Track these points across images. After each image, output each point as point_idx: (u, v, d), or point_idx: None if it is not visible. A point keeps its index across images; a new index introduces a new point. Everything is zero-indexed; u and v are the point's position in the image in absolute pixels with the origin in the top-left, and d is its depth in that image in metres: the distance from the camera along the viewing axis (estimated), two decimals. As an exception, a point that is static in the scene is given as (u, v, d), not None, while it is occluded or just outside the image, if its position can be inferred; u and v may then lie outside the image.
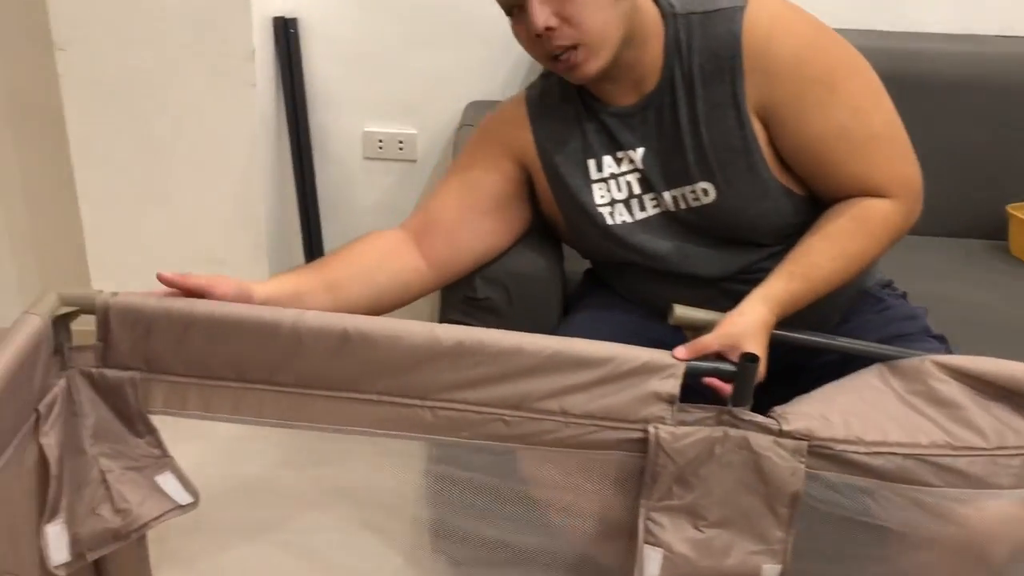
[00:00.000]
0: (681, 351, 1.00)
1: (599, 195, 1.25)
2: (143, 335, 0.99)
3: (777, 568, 1.02)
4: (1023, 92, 1.89)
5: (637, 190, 1.24)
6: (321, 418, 1.02)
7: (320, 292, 1.14)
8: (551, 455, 1.02)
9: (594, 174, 1.25)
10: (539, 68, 2.02)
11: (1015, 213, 1.88)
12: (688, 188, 1.20)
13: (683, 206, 1.22)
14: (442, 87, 2.06)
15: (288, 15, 1.99)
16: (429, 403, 1.00)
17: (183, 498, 1.07)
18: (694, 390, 1.02)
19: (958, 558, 1.03)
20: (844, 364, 1.11)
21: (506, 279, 1.36)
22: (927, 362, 1.03)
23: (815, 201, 1.21)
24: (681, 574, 1.03)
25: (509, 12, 1.15)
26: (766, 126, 1.17)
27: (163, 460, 1.06)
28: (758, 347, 1.05)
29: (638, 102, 1.21)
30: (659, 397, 0.98)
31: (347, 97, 2.08)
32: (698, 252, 1.24)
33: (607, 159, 1.25)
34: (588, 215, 1.26)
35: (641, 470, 1.01)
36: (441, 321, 1.41)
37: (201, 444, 1.15)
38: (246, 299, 1.05)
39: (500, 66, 2.05)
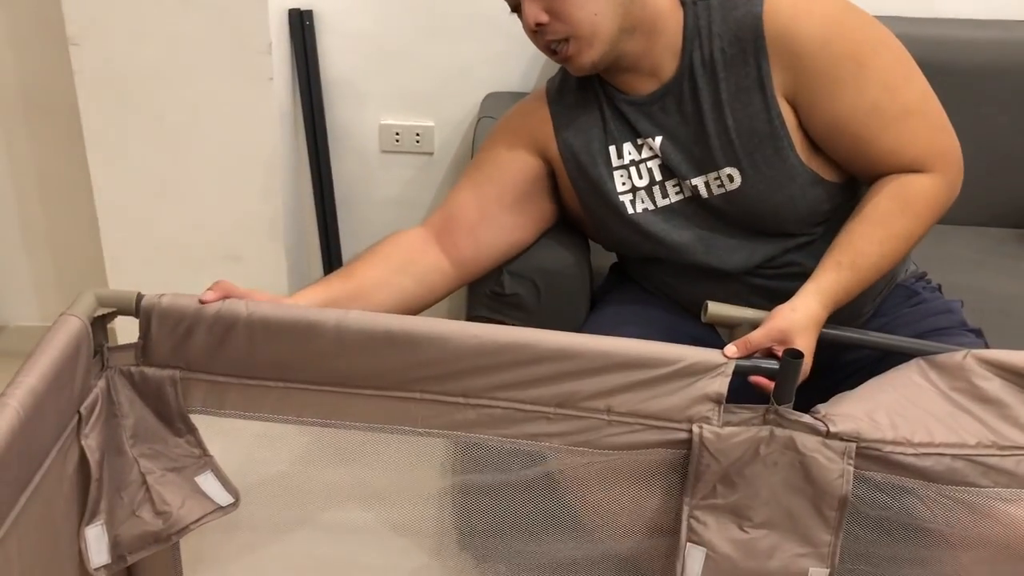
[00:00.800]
0: (731, 349, 0.99)
1: (620, 183, 1.25)
2: (184, 336, 0.98)
3: (825, 572, 1.02)
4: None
5: (659, 177, 1.23)
6: (362, 417, 1.02)
7: (346, 302, 1.14)
8: (591, 455, 1.01)
9: (615, 161, 1.25)
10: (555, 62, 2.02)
11: (1041, 203, 1.87)
12: (712, 175, 1.20)
13: (706, 194, 1.21)
14: (459, 79, 2.05)
15: (304, 7, 1.97)
16: (472, 400, 0.99)
17: (224, 499, 1.07)
18: (735, 388, 1.01)
19: (1003, 557, 1.03)
20: (880, 359, 1.10)
21: (534, 274, 1.35)
22: (969, 357, 1.03)
23: (846, 188, 1.20)
24: (723, 574, 1.02)
25: (514, 9, 1.20)
26: (795, 109, 1.16)
27: (203, 460, 1.06)
28: (808, 342, 1.04)
29: (657, 90, 1.21)
30: (707, 397, 0.97)
31: (363, 90, 2.06)
32: (721, 242, 1.23)
33: (627, 146, 1.24)
34: (610, 204, 1.25)
35: (683, 469, 1.00)
36: (468, 317, 1.40)
37: (228, 442, 1.15)
38: None
39: (518, 58, 2.04)
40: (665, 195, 1.24)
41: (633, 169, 1.24)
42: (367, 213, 2.17)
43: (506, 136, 1.32)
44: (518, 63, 2.04)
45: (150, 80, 1.78)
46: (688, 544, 1.01)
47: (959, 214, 1.89)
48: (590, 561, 1.19)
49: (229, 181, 1.88)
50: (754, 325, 1.04)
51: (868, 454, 0.97)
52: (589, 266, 1.43)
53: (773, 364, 0.99)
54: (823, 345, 1.11)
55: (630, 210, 1.24)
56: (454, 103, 2.07)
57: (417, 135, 2.10)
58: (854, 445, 0.96)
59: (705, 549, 1.01)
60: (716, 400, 0.97)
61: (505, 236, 1.29)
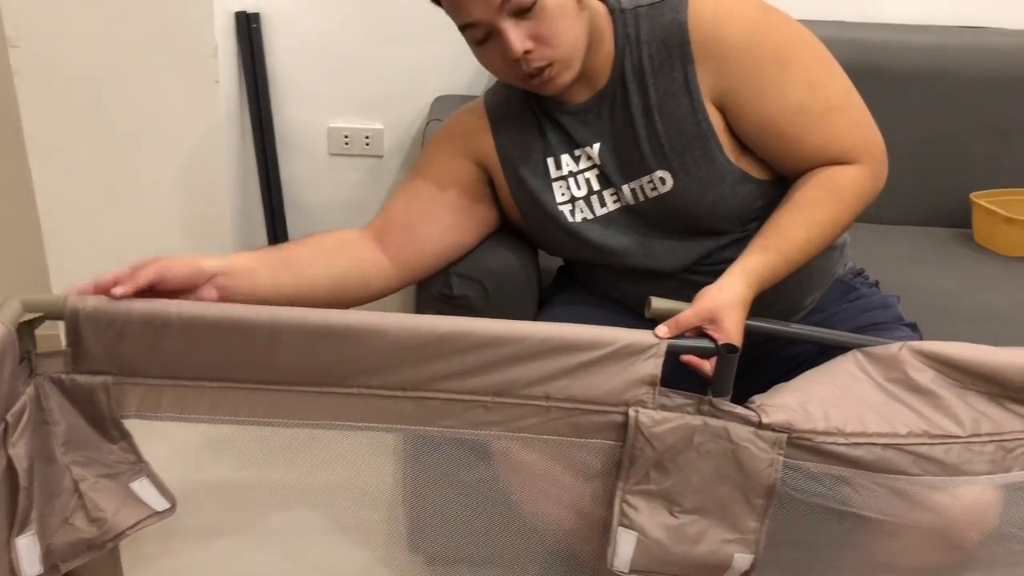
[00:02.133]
0: (663, 330, 1.00)
1: (559, 193, 1.26)
2: (115, 339, 0.97)
3: (749, 558, 1.03)
4: (983, 82, 1.93)
5: (596, 186, 1.25)
6: (300, 414, 1.01)
7: (279, 269, 1.12)
8: (531, 443, 1.02)
9: (553, 173, 1.26)
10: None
11: (978, 201, 1.91)
12: (646, 178, 1.21)
13: (641, 197, 1.22)
14: (408, 82, 2.05)
15: (251, 10, 1.96)
16: (411, 393, 0.99)
17: (160, 504, 1.05)
18: (675, 377, 1.02)
19: (933, 544, 1.05)
20: (822, 352, 1.11)
21: (482, 276, 1.35)
22: (904, 349, 1.04)
23: (775, 185, 1.22)
24: (653, 558, 1.03)
25: (480, 42, 1.16)
26: (723, 111, 1.18)
27: (138, 466, 1.04)
28: (737, 320, 1.05)
29: (591, 98, 1.22)
30: (642, 380, 0.98)
31: (312, 93, 2.06)
32: (658, 245, 1.24)
33: (565, 157, 1.25)
34: (549, 215, 1.26)
35: (619, 454, 1.01)
36: (417, 319, 1.40)
37: (171, 447, 1.13)
38: (196, 275, 1.03)
39: (467, 60, 2.01)
40: (603, 204, 1.25)
41: (571, 180, 1.25)
42: (316, 216, 2.16)
43: (444, 145, 1.32)
44: (467, 66, 2.04)
45: (93, 82, 1.76)
46: (620, 528, 1.02)
47: (896, 214, 1.94)
48: (540, 558, 1.20)
49: (175, 184, 1.86)
50: None
51: (800, 444, 0.98)
52: (537, 267, 1.43)
53: (704, 343, 1.00)
54: (764, 339, 1.12)
55: (569, 219, 1.26)
56: (403, 106, 2.07)
57: (366, 138, 2.09)
58: (785, 436, 0.97)
59: (636, 533, 1.02)
60: (651, 383, 0.98)
61: (445, 236, 1.28)
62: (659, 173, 1.20)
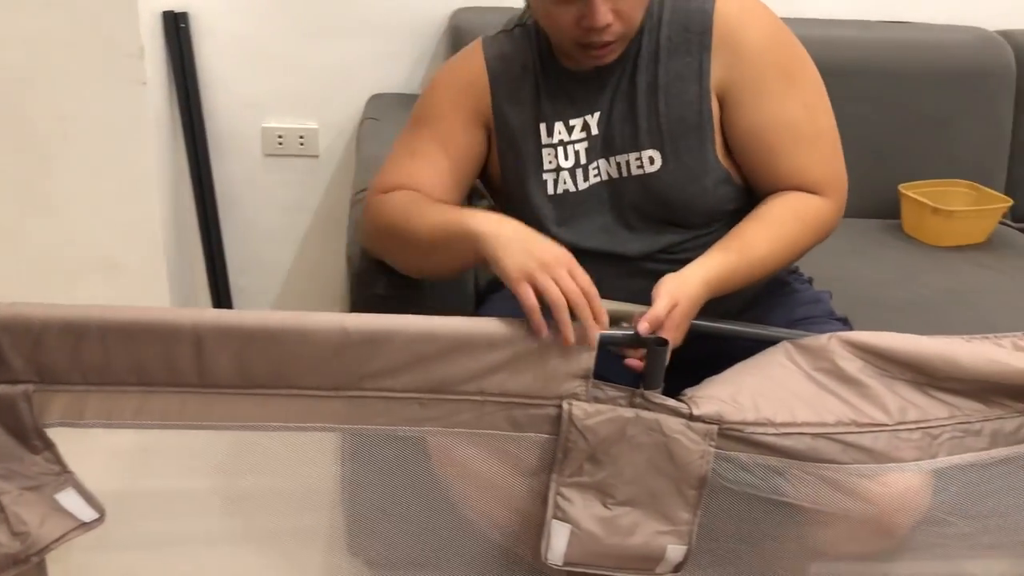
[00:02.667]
0: (644, 326, 1.01)
1: (547, 160, 1.25)
2: (33, 346, 0.94)
3: (682, 549, 1.04)
4: (910, 76, 1.98)
5: (583, 160, 1.24)
6: (231, 417, 0.99)
7: None
8: (468, 438, 1.01)
9: (544, 139, 1.25)
10: (441, 59, 2.02)
11: (906, 193, 1.95)
12: (634, 155, 1.22)
13: (625, 173, 1.23)
14: (342, 80, 2.03)
15: (179, 9, 1.92)
16: (344, 393, 0.98)
17: (87, 515, 1.02)
18: (610, 369, 1.02)
19: (865, 531, 1.07)
20: (758, 345, 1.12)
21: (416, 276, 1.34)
22: (833, 340, 1.06)
23: (750, 195, 1.24)
24: (587, 550, 1.04)
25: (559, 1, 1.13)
26: (723, 106, 1.20)
27: (63, 476, 1.01)
28: (689, 311, 1.06)
29: (603, 66, 1.21)
30: (574, 374, 0.98)
31: (244, 93, 2.03)
32: (624, 231, 1.25)
33: (558, 125, 1.25)
34: (532, 181, 1.25)
35: (553, 447, 1.01)
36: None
37: (102, 457, 1.11)
38: None
39: (401, 58, 2.03)
40: (586, 178, 1.24)
41: (560, 149, 1.24)
42: (251, 217, 2.13)
43: (454, 107, 1.28)
44: (402, 64, 2.04)
45: (13, 84, 1.71)
46: (554, 521, 1.02)
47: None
48: (480, 557, 1.19)
49: (103, 188, 1.82)
50: (615, 316, 1.05)
51: (731, 435, 0.99)
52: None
53: (631, 333, 1.01)
54: (702, 337, 1.13)
55: (551, 190, 1.25)
56: (338, 105, 2.05)
57: (301, 138, 2.07)
58: (716, 427, 0.98)
59: (570, 526, 1.02)
60: (583, 376, 0.98)
61: (448, 198, 1.27)
62: (649, 152, 1.21)
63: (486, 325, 0.98)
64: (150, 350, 0.95)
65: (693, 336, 1.09)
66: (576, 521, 1.02)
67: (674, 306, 1.04)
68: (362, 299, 1.36)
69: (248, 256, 2.17)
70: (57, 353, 0.94)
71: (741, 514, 1.03)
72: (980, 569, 1.26)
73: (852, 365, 1.04)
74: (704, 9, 1.19)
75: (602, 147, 1.23)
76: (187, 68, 1.95)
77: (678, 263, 1.14)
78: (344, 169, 2.09)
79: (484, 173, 1.33)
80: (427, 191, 1.23)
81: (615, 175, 1.24)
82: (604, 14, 1.11)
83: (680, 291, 1.05)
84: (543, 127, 1.25)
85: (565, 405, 0.98)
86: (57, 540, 1.01)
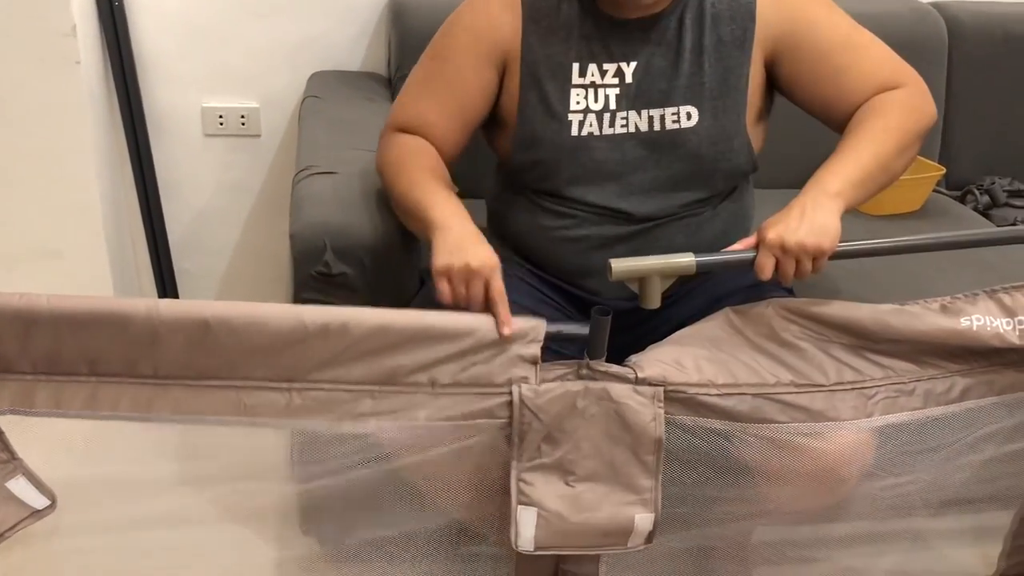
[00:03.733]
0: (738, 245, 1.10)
1: (575, 101, 1.25)
2: (-19, 335, 0.93)
3: (650, 516, 1.06)
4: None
5: (613, 105, 1.25)
6: (182, 408, 0.99)
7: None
8: (425, 430, 1.03)
9: (575, 79, 1.25)
10: (382, 37, 2.01)
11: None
12: (671, 110, 1.24)
13: (658, 127, 1.24)
14: (283, 58, 2.01)
15: (111, -12, 1.88)
16: (296, 385, 0.98)
17: (39, 502, 1.02)
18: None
19: (813, 489, 1.11)
20: (707, 309, 1.15)
21: (360, 252, 1.34)
22: (770, 307, 1.09)
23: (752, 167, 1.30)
24: (556, 531, 1.06)
25: None
26: (778, 61, 1.25)
27: (12, 464, 1.01)
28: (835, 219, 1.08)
29: (645, 17, 1.23)
30: (523, 359, 1.00)
31: (182, 72, 1.99)
32: (637, 191, 1.26)
33: (592, 67, 1.25)
34: (555, 119, 1.25)
35: (510, 433, 1.03)
36: (295, 300, 1.38)
37: (55, 444, 1.10)
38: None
39: (342, 35, 2.01)
40: (612, 124, 1.25)
41: (591, 91, 1.25)
42: (193, 199, 2.11)
43: (472, 45, 1.27)
44: (342, 41, 2.02)
45: (-60, 68, 1.66)
46: (519, 507, 1.04)
47: (772, 178, 2.01)
48: (437, 538, 1.21)
49: (38, 172, 1.77)
50: (663, 273, 1.05)
51: (675, 397, 1.02)
52: (416, 241, 1.43)
53: (576, 328, 1.02)
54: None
55: (575, 131, 1.25)
56: (279, 83, 2.03)
57: (242, 117, 2.04)
58: (662, 389, 1.02)
59: (536, 509, 1.04)
60: (532, 361, 1.01)
61: (454, 154, 1.32)
62: (687, 108, 1.24)
63: (440, 318, 0.99)
64: (102, 340, 0.94)
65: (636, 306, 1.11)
66: (540, 503, 1.04)
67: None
68: (303, 277, 1.36)
69: (191, 238, 2.14)
70: (7, 342, 0.93)
71: (693, 479, 1.06)
72: (915, 526, 1.32)
73: (790, 330, 1.08)
74: None
75: (635, 97, 1.25)
76: (123, 46, 1.91)
77: (685, 223, 1.20)
78: (286, 148, 2.07)
79: (495, 110, 1.31)
80: (435, 132, 1.28)
81: (644, 128, 1.25)
82: None
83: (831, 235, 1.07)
84: (576, 67, 1.25)
85: (515, 389, 1.00)
86: (11, 528, 1.01)
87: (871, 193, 1.16)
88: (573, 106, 1.25)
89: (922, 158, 2.02)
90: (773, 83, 1.29)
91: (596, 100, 1.25)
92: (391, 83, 1.96)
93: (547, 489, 1.04)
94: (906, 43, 2.05)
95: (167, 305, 0.95)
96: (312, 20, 1.98)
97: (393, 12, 1.91)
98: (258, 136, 2.07)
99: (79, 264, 1.87)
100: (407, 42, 1.85)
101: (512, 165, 1.32)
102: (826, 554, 1.34)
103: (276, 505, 1.48)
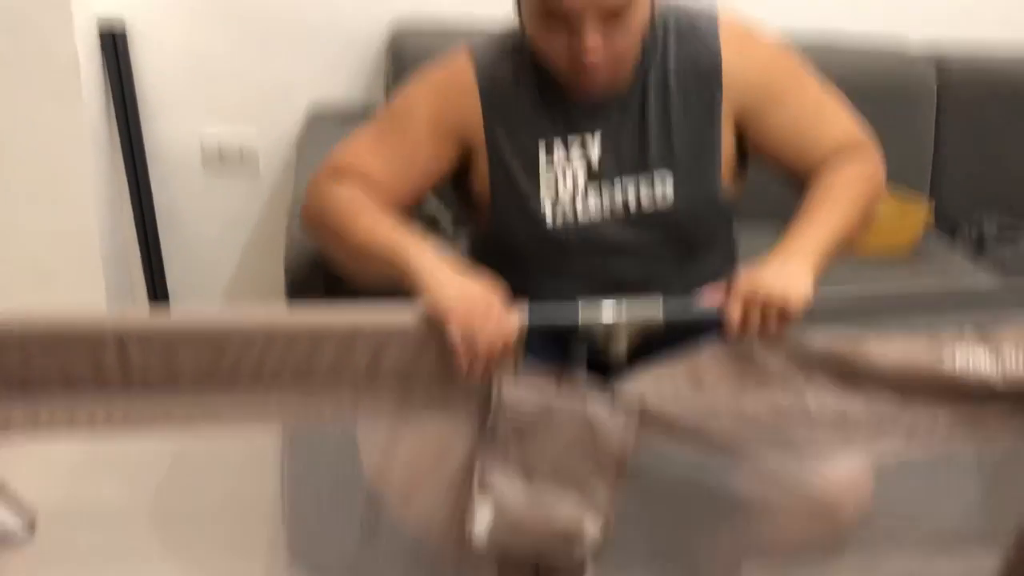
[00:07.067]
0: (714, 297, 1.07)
1: (545, 186, 1.21)
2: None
3: (600, 527, 1.06)
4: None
5: (582, 184, 1.21)
6: (160, 420, 0.99)
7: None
8: (399, 419, 1.04)
9: (543, 160, 1.20)
10: (382, 73, 2.03)
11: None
12: (644, 175, 1.20)
13: (634, 208, 1.21)
14: (282, 92, 2.04)
15: (116, 22, 1.91)
16: (275, 389, 0.99)
17: (16, 525, 1.02)
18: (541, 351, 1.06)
19: (799, 521, 1.11)
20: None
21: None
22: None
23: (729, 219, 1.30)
24: (509, 526, 1.06)
25: (551, 26, 1.10)
26: (746, 126, 1.22)
27: (-11, 487, 1.01)
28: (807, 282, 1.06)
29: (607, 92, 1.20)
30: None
31: (183, 106, 2.02)
32: (620, 260, 1.24)
33: (557, 142, 1.21)
34: (528, 216, 1.21)
35: (481, 425, 1.03)
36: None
37: (40, 470, 1.10)
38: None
39: (342, 69, 2.04)
40: (586, 210, 1.21)
41: (560, 171, 1.21)
42: (191, 230, 2.12)
43: (431, 117, 1.21)
44: (342, 73, 2.05)
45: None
46: (478, 497, 1.04)
47: (761, 208, 2.02)
48: (417, 557, 1.21)
49: (38, 200, 1.80)
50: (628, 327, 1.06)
51: (652, 420, 1.03)
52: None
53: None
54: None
55: (549, 223, 1.21)
56: (278, 117, 2.05)
57: (241, 149, 2.07)
58: (637, 410, 1.02)
59: (492, 499, 1.05)
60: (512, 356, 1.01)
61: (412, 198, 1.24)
62: (661, 172, 1.20)
63: (416, 316, 1.00)
64: (74, 357, 0.95)
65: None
66: (499, 494, 1.05)
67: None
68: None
69: (188, 269, 2.16)
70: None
71: (666, 502, 1.06)
72: (899, 564, 1.30)
73: (773, 361, 1.08)
74: (711, 50, 1.19)
75: (606, 170, 1.21)
76: (124, 81, 1.94)
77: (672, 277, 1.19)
78: (284, 181, 2.09)
79: (465, 189, 1.27)
80: (380, 191, 1.18)
81: (620, 208, 1.21)
82: (595, 48, 1.08)
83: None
84: (542, 144, 1.20)
85: (493, 382, 1.01)
86: (-15, 551, 1.00)
87: (832, 262, 1.15)
88: (544, 193, 1.21)
89: (908, 201, 2.01)
90: (741, 144, 1.26)
91: (566, 183, 1.21)
92: (389, 116, 1.98)
93: (507, 485, 1.04)
94: (896, 92, 2.09)
95: (135, 317, 0.95)
96: (312, 53, 2.02)
97: (392, 45, 1.94)
98: (256, 167, 2.10)
99: (76, 292, 1.89)
100: (406, 75, 1.85)
101: (492, 240, 1.29)
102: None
103: (263, 534, 1.48)
